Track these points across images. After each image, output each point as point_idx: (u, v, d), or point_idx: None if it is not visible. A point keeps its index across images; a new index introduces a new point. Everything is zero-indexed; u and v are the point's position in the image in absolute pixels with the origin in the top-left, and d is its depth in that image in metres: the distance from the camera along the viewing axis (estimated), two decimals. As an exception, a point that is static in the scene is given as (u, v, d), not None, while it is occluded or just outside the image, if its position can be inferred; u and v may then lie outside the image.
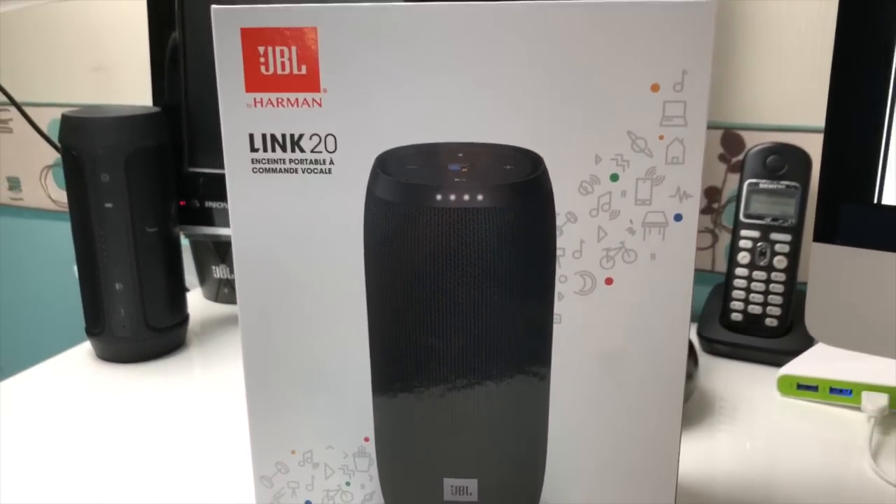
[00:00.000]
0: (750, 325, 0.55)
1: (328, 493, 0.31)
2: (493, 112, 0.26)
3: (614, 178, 0.27)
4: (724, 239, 0.64)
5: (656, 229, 0.27)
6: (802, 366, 0.50)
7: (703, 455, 0.43)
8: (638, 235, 0.27)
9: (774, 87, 0.60)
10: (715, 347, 0.56)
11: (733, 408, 0.49)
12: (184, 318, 0.58)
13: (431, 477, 0.31)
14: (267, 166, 0.28)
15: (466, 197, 0.27)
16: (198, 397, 0.50)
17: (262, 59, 0.27)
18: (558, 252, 0.28)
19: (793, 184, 0.55)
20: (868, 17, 0.37)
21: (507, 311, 0.28)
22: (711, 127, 0.62)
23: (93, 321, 0.55)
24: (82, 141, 0.51)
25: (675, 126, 0.26)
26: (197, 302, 0.67)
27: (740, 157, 0.61)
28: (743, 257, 0.56)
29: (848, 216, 0.40)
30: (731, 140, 0.62)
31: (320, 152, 0.27)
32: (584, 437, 0.30)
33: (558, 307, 0.28)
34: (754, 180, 0.56)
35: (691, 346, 0.48)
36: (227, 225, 0.59)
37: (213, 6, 0.26)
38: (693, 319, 0.59)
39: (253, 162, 0.28)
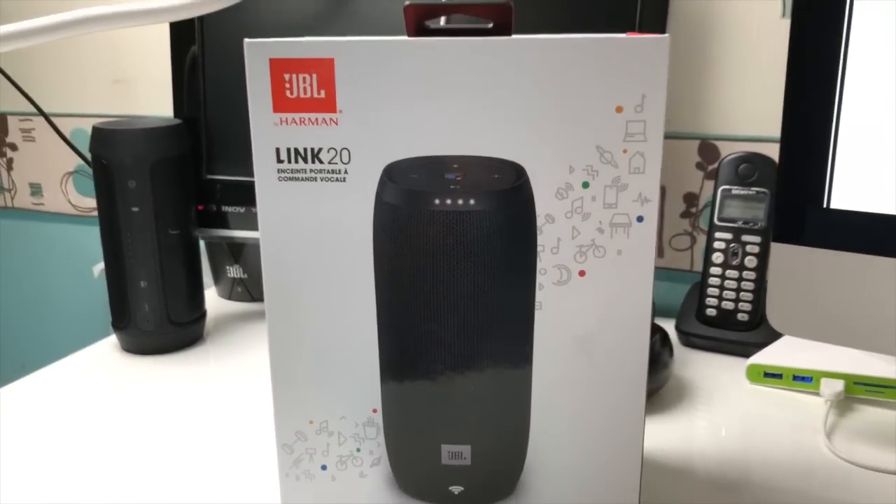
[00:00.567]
0: (723, 319, 0.60)
1: (341, 458, 0.36)
2: (483, 129, 0.31)
3: (585, 185, 0.32)
4: (702, 241, 0.68)
5: (622, 229, 0.32)
6: (769, 356, 0.55)
7: (677, 435, 0.48)
8: (606, 234, 0.32)
9: (747, 101, 0.65)
10: (691, 340, 0.61)
11: (706, 394, 0.54)
12: (202, 314, 0.63)
13: (431, 443, 0.35)
14: (290, 175, 0.32)
15: (460, 202, 0.32)
16: (215, 386, 0.55)
17: (287, 85, 0.31)
18: (539, 248, 0.32)
19: (762, 190, 0.59)
20: (816, 42, 0.42)
21: (495, 299, 0.33)
22: (689, 138, 0.67)
23: (119, 316, 0.60)
24: (112, 150, 0.56)
25: (636, 141, 0.31)
26: (211, 300, 0.72)
27: (715, 165, 0.66)
28: (717, 257, 0.60)
29: (802, 219, 0.45)
30: (707, 150, 0.67)
31: (336, 164, 0.32)
32: (562, 408, 0.34)
33: (539, 295, 0.33)
34: (727, 187, 0.61)
35: (666, 337, 0.53)
36: (240, 228, 0.64)
37: (246, 40, 0.31)
38: (672, 315, 0.64)
39: (278, 171, 0.32)
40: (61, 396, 0.54)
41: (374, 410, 0.35)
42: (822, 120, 0.43)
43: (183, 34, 0.62)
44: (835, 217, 0.44)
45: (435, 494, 0.36)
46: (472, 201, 0.32)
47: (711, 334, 0.60)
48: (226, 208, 0.63)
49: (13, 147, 0.89)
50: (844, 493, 0.42)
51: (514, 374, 0.34)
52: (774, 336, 0.58)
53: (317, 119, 0.32)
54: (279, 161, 0.32)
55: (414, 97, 0.31)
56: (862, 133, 0.42)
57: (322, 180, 0.32)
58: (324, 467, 0.36)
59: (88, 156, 0.82)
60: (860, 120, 0.42)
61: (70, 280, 0.91)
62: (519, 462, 0.35)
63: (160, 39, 0.77)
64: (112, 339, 0.63)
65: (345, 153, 0.32)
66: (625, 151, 0.31)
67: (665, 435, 0.48)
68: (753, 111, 0.65)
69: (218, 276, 0.72)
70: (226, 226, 0.64)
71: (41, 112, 0.71)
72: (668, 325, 0.63)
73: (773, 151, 0.63)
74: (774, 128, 0.64)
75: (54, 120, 0.79)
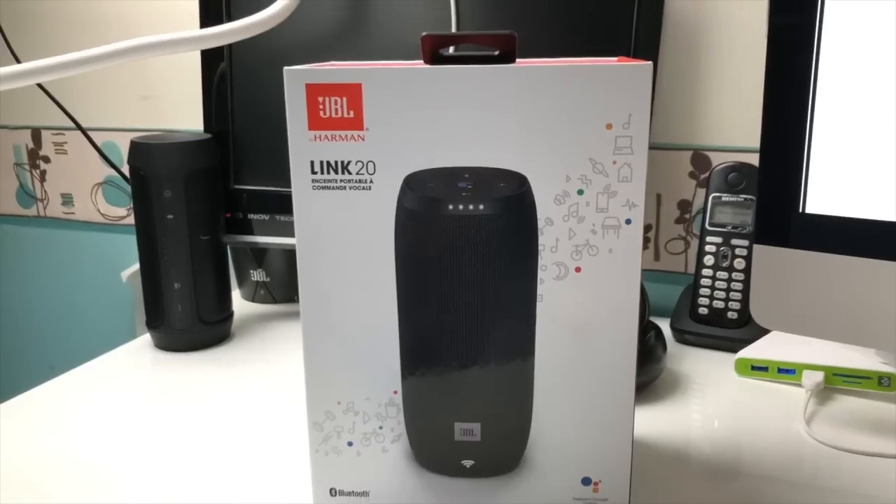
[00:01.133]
0: (714, 317, 0.65)
1: (365, 435, 0.40)
2: (491, 144, 0.36)
3: (580, 192, 0.36)
4: (695, 245, 0.73)
5: (612, 230, 0.37)
6: (756, 350, 0.59)
7: (669, 423, 0.53)
8: (599, 235, 0.37)
9: (735, 114, 0.69)
10: (685, 337, 0.65)
11: (697, 386, 0.58)
12: (229, 314, 0.67)
13: (445, 421, 0.40)
14: (323, 184, 0.37)
15: (471, 207, 0.37)
16: (243, 380, 0.60)
17: (321, 106, 0.36)
18: (540, 247, 0.37)
19: (750, 197, 0.64)
20: (789, 65, 0.46)
21: (502, 292, 0.38)
22: (682, 149, 0.71)
23: (153, 315, 0.64)
24: (149, 163, 0.61)
25: (624, 154, 0.36)
26: (236, 302, 0.77)
27: (706, 174, 0.71)
28: (708, 260, 0.65)
29: (781, 223, 0.49)
30: (699, 160, 0.71)
31: (363, 174, 0.37)
32: (561, 389, 0.39)
33: (540, 289, 0.38)
34: (718, 194, 0.65)
35: (660, 333, 0.57)
36: (264, 234, 0.68)
37: (286, 68, 0.36)
38: (667, 314, 0.69)
39: (313, 181, 0.37)
40: (102, 391, 0.58)
41: (395, 392, 0.40)
42: (796, 134, 0.47)
43: (212, 53, 0.67)
44: (810, 221, 0.48)
45: (449, 467, 0.41)
46: (481, 206, 0.37)
47: (703, 331, 0.64)
48: (251, 216, 0.68)
49: (46, 160, 0.94)
50: (820, 472, 0.46)
51: (518, 359, 0.39)
52: (761, 333, 0.62)
53: (346, 136, 0.36)
54: (313, 172, 0.37)
55: (431, 117, 0.36)
56: (833, 145, 0.46)
57: (350, 189, 0.37)
58: (350, 443, 0.41)
59: (122, 167, 0.87)
60: (831, 133, 0.46)
61: (98, 285, 0.96)
62: (523, 438, 0.40)
63: (185, 58, 0.83)
64: (145, 338, 0.68)
65: (370, 165, 0.37)
66: (614, 163, 0.36)
67: (659, 422, 0.52)
68: (742, 124, 0.69)
69: (242, 280, 0.77)
70: (251, 232, 0.69)
71: (79, 127, 0.76)
72: (664, 324, 0.67)
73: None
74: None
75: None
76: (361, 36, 0.65)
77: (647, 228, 0.74)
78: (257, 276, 0.75)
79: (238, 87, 0.67)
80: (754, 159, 0.68)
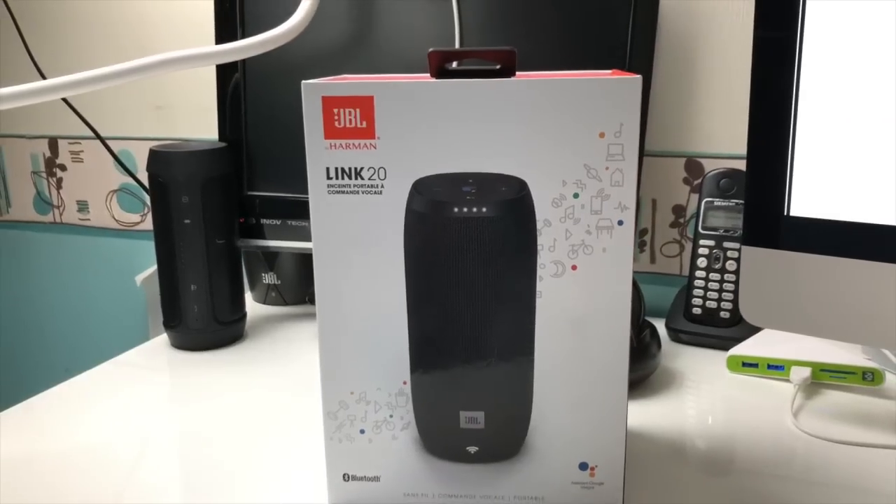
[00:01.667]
0: (707, 317, 0.67)
1: (377, 423, 0.43)
2: (494, 152, 0.39)
3: (576, 195, 0.39)
4: (689, 248, 0.76)
5: (606, 231, 0.40)
6: (746, 348, 0.62)
7: (664, 416, 0.55)
8: (593, 235, 0.40)
9: (727, 123, 0.72)
10: (679, 336, 0.68)
11: (691, 381, 0.61)
12: (243, 314, 0.70)
13: (451, 410, 0.43)
14: (338, 189, 0.40)
15: (475, 210, 0.40)
16: (257, 378, 0.63)
17: (336, 117, 0.39)
18: (539, 247, 0.40)
19: (741, 202, 0.67)
20: (774, 71, 0.49)
21: (504, 289, 0.41)
22: (677, 156, 0.74)
23: (170, 316, 0.67)
24: (167, 170, 0.64)
25: (616, 160, 0.39)
26: (247, 303, 0.80)
27: (699, 180, 0.74)
28: (701, 262, 0.68)
29: (767, 226, 0.52)
30: (692, 166, 0.74)
31: (374, 180, 0.40)
32: (560, 379, 0.42)
33: (539, 286, 0.41)
34: (710, 199, 0.68)
35: (655, 332, 0.60)
36: (276, 238, 0.71)
37: (304, 81, 0.39)
38: (663, 315, 0.72)
39: (328, 186, 0.40)
40: (122, 387, 0.61)
41: (405, 382, 0.42)
42: (780, 141, 0.50)
43: (227, 65, 0.70)
44: (795, 223, 0.51)
45: (454, 453, 0.43)
46: (484, 209, 0.40)
47: (697, 330, 0.67)
48: (263, 221, 0.71)
49: (62, 168, 0.98)
50: (806, 462, 0.49)
51: (519, 351, 0.42)
52: (752, 331, 0.65)
53: (359, 144, 0.39)
54: (329, 178, 0.40)
55: (437, 126, 0.39)
56: (815, 152, 0.49)
57: (363, 193, 0.40)
58: (362, 431, 0.43)
59: (138, 175, 0.91)
60: (813, 141, 0.49)
61: (112, 290, 0.99)
62: (524, 425, 0.43)
63: (198, 69, 0.86)
64: (162, 338, 0.71)
65: (381, 171, 0.40)
66: (607, 168, 0.39)
67: (655, 415, 0.55)
68: (733, 132, 0.72)
69: (254, 283, 0.80)
70: (263, 236, 0.72)
71: (98, 136, 0.79)
72: (659, 324, 0.70)
73: (751, 167, 0.71)
74: (752, 146, 0.72)
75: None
76: (369, 48, 0.68)
77: (643, 232, 0.77)
78: (268, 279, 0.78)
79: (251, 97, 0.70)
80: (744, 166, 0.71)
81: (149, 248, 0.97)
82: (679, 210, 0.76)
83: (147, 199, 0.95)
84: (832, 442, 0.51)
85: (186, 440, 0.52)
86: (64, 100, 0.82)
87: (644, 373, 0.59)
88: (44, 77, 0.81)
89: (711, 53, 0.72)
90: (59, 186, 0.99)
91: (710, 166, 0.73)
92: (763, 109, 0.50)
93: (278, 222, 0.71)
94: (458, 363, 0.42)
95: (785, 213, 0.51)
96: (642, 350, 0.58)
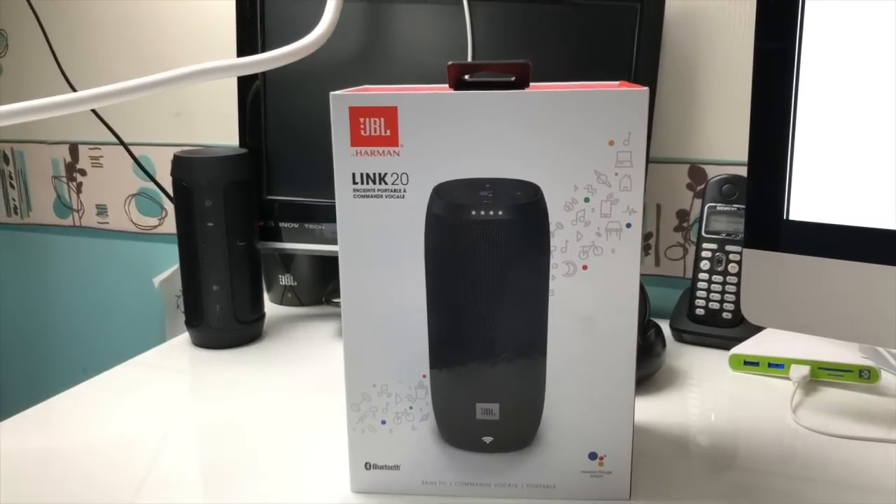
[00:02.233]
0: (710, 317, 0.70)
1: (397, 415, 0.46)
2: (509, 158, 0.42)
3: (587, 199, 0.42)
4: (693, 252, 0.78)
5: (615, 233, 0.42)
6: (748, 347, 0.64)
7: (669, 411, 0.58)
8: (603, 237, 0.42)
9: (730, 130, 0.75)
10: (683, 336, 0.70)
11: (694, 379, 0.63)
12: (262, 314, 0.73)
13: (467, 402, 0.45)
14: (363, 193, 0.43)
15: (492, 213, 0.42)
16: (277, 375, 0.65)
17: (362, 126, 0.42)
18: (551, 248, 0.43)
19: (742, 206, 0.69)
20: (773, 81, 0.52)
21: (518, 288, 0.43)
22: (681, 162, 0.77)
23: (192, 315, 0.70)
24: (191, 175, 0.67)
25: (624, 167, 0.41)
26: (265, 304, 0.82)
27: (703, 185, 0.76)
28: (704, 265, 0.70)
29: (767, 229, 0.54)
30: (696, 172, 0.77)
31: (397, 185, 0.42)
32: (571, 373, 0.44)
33: (552, 285, 0.43)
34: (713, 204, 0.71)
35: (660, 331, 0.62)
36: (293, 241, 0.74)
37: (332, 92, 0.42)
38: (667, 316, 0.74)
39: (354, 191, 0.43)
40: (145, 384, 0.64)
41: (424, 375, 0.45)
42: (780, 148, 0.53)
43: (248, 75, 0.73)
44: (793, 227, 0.53)
45: (471, 443, 0.46)
46: (500, 212, 0.42)
47: (700, 331, 0.70)
48: (282, 224, 0.74)
49: (83, 172, 1.00)
50: (804, 455, 0.51)
51: (533, 346, 0.44)
52: (754, 331, 0.68)
53: (383, 151, 0.42)
54: (354, 183, 0.43)
55: (457, 135, 0.41)
56: (813, 159, 0.52)
57: (387, 197, 0.43)
58: (383, 422, 0.46)
59: (160, 180, 0.93)
60: (811, 148, 0.51)
61: (130, 291, 1.02)
62: (537, 417, 0.45)
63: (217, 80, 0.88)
64: (183, 337, 0.73)
65: (404, 176, 0.42)
66: (616, 174, 0.41)
67: (660, 410, 0.58)
68: (735, 139, 0.75)
69: (271, 285, 0.82)
70: (281, 239, 0.74)
71: (121, 142, 0.82)
72: (664, 324, 0.72)
73: (752, 174, 0.73)
74: (754, 153, 0.74)
75: (121, 149, 0.90)
76: (384, 59, 0.70)
77: (648, 236, 0.80)
78: (285, 280, 0.81)
79: (271, 105, 0.73)
80: (746, 172, 0.73)
81: (166, 250, 0.99)
82: (683, 215, 0.78)
83: (165, 202, 0.98)
84: (830, 436, 0.53)
85: (207, 433, 0.55)
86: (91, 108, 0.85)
87: (649, 371, 0.61)
88: (73, 88, 0.84)
89: (714, 64, 0.74)
90: (78, 191, 1.01)
91: (713, 172, 0.75)
92: (763, 118, 0.53)
93: (296, 225, 0.73)
94: (475, 358, 0.45)
95: (784, 218, 0.53)
96: (647, 349, 0.61)
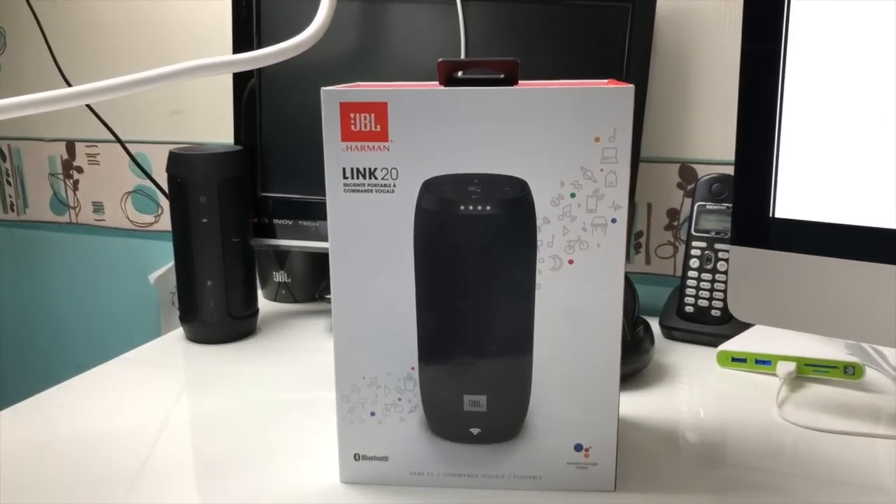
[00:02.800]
0: (699, 315, 0.71)
1: (386, 406, 0.46)
2: (497, 154, 0.42)
3: (573, 195, 0.43)
4: (683, 250, 0.79)
5: (600, 228, 0.43)
6: (736, 344, 0.65)
7: (656, 408, 0.58)
8: (589, 232, 0.43)
9: (719, 130, 0.76)
10: (672, 333, 0.71)
11: (683, 375, 0.64)
12: (256, 310, 0.74)
13: (455, 394, 0.46)
14: (353, 188, 0.43)
15: (480, 207, 0.43)
16: (270, 369, 0.66)
17: (352, 121, 0.43)
18: (538, 243, 0.43)
19: (731, 205, 0.70)
20: (760, 82, 0.53)
21: (506, 281, 0.44)
22: (671, 161, 0.78)
23: (186, 310, 0.71)
24: (186, 171, 0.67)
25: (610, 163, 0.42)
26: (259, 301, 0.83)
27: (693, 185, 0.77)
28: (694, 263, 0.71)
29: (753, 226, 0.55)
30: (686, 171, 0.77)
31: (387, 180, 0.43)
32: (557, 366, 0.45)
33: (538, 279, 0.44)
34: (702, 203, 0.71)
35: (649, 328, 0.63)
36: (287, 238, 0.75)
37: (323, 88, 0.42)
38: (657, 313, 0.75)
39: (344, 185, 0.43)
40: (139, 377, 0.64)
41: (413, 368, 0.46)
42: (766, 148, 0.53)
43: (244, 71, 0.74)
44: (779, 225, 0.54)
45: (458, 435, 0.47)
46: (488, 207, 0.43)
47: (689, 328, 0.70)
48: (276, 221, 0.74)
49: (79, 170, 1.01)
50: (789, 449, 0.52)
51: (520, 339, 0.45)
52: (742, 328, 0.68)
53: (373, 146, 0.43)
54: (345, 177, 0.43)
55: (446, 131, 0.42)
56: (798, 158, 0.52)
57: (376, 192, 0.43)
58: (372, 413, 0.47)
59: (156, 177, 0.94)
60: (796, 148, 0.52)
61: (126, 288, 1.03)
62: (524, 409, 0.46)
63: (213, 77, 0.89)
64: (177, 332, 0.74)
65: (394, 171, 0.43)
66: (602, 170, 0.42)
67: (647, 406, 0.58)
68: (725, 138, 0.76)
69: (265, 281, 0.83)
70: (275, 236, 0.75)
71: (118, 140, 0.82)
72: (654, 322, 0.73)
73: (742, 173, 0.74)
74: (743, 153, 0.75)
75: (117, 146, 0.91)
76: (378, 56, 0.71)
77: (638, 234, 0.81)
78: (279, 277, 0.81)
79: (266, 102, 0.74)
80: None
81: (162, 247, 1.00)
82: (673, 213, 0.79)
83: (161, 200, 0.98)
84: (815, 431, 0.54)
85: (201, 426, 0.55)
86: (87, 105, 0.85)
87: (637, 366, 0.62)
88: (69, 84, 0.85)
89: (705, 65, 0.75)
90: (75, 188, 1.02)
91: (703, 172, 0.76)
92: (750, 117, 0.54)
93: (290, 222, 0.74)
94: (463, 350, 0.45)
95: (770, 215, 0.54)
96: (636, 345, 0.61)
